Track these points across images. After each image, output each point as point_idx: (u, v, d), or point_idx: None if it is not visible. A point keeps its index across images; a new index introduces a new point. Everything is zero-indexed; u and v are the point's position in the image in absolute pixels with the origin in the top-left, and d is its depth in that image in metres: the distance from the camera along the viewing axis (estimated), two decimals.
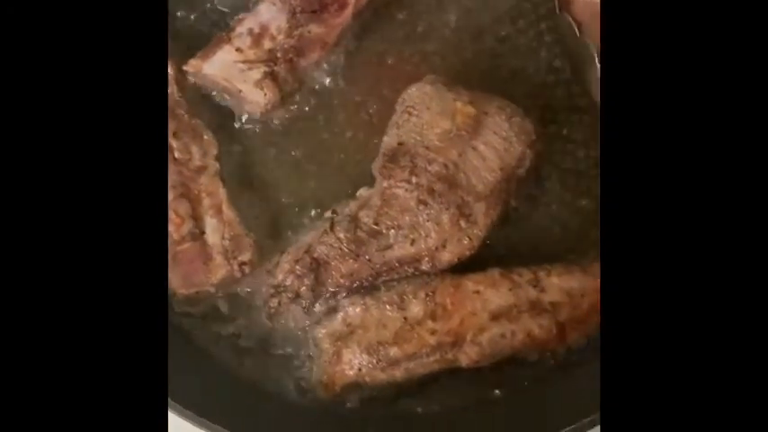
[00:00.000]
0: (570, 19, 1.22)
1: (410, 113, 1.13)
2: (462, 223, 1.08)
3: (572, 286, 1.07)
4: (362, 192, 1.14)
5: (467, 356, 1.06)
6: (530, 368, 1.11)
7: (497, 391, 1.12)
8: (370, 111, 1.24)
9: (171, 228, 1.14)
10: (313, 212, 1.19)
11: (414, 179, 1.09)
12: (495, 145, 1.11)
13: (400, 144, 1.12)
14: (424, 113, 1.12)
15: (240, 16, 1.24)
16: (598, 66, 1.18)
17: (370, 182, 1.15)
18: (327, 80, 1.25)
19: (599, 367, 0.74)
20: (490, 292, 1.06)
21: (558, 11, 1.24)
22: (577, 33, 1.21)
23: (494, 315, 1.06)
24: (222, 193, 1.17)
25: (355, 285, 1.09)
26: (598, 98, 1.16)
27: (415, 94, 1.14)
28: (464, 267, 1.10)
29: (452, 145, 1.10)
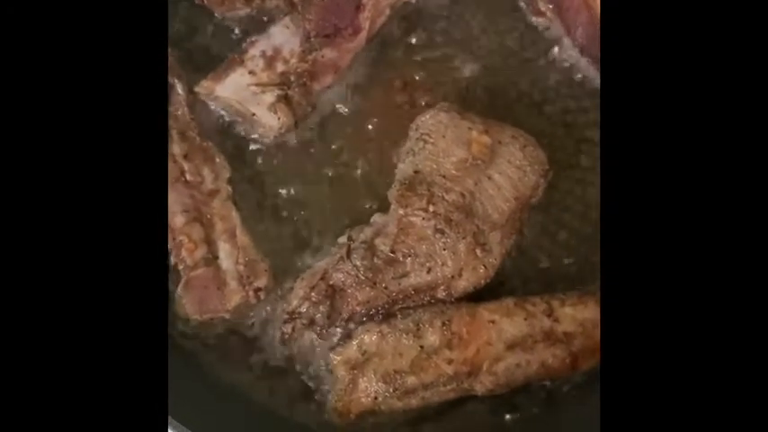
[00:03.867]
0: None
1: (425, 141, 1.13)
2: (478, 252, 1.09)
3: (585, 317, 1.08)
4: (377, 218, 1.14)
5: (482, 385, 1.07)
6: (542, 394, 1.13)
7: (508, 416, 1.14)
8: (383, 135, 1.24)
9: (184, 253, 1.13)
10: (327, 237, 1.19)
11: (431, 208, 1.09)
12: (510, 174, 1.12)
13: (416, 172, 1.12)
14: (440, 141, 1.13)
15: (253, 38, 1.23)
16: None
17: (384, 207, 1.15)
18: (340, 104, 1.25)
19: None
20: (505, 322, 1.07)
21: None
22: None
23: (509, 345, 1.07)
24: (235, 217, 1.17)
25: (371, 313, 1.10)
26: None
27: (429, 121, 1.15)
28: (478, 295, 1.11)
29: (468, 174, 1.11)
